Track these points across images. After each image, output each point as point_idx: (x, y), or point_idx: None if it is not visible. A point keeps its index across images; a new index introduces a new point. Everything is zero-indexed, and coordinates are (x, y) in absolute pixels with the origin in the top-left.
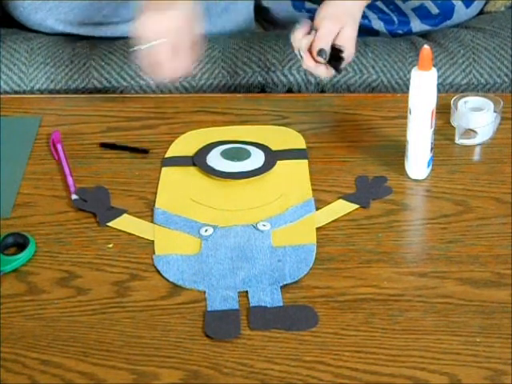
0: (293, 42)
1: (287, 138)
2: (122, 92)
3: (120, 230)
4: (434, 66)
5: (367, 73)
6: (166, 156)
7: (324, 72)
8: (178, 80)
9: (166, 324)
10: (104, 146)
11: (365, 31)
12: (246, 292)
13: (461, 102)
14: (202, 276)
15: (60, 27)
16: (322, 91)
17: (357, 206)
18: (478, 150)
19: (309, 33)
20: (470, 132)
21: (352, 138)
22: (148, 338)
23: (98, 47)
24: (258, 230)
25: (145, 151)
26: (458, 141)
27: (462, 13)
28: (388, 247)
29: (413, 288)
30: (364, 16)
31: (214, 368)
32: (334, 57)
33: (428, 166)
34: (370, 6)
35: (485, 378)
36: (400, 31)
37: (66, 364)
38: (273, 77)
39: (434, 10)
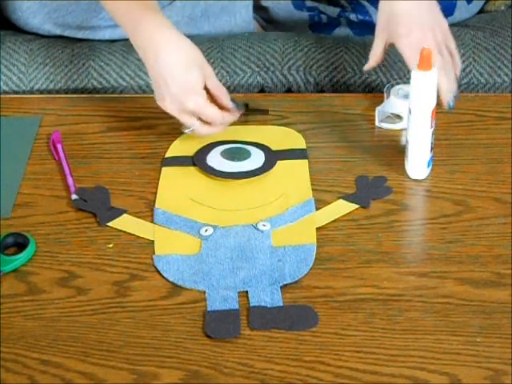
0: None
1: (287, 137)
2: (121, 92)
3: (120, 230)
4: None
5: (366, 73)
6: (166, 156)
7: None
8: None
9: (166, 324)
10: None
11: (365, 27)
12: (246, 292)
13: (394, 90)
14: (201, 276)
15: (58, 31)
16: (322, 91)
17: (357, 206)
18: (478, 149)
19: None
20: (394, 118)
21: (352, 138)
22: (148, 338)
23: (97, 48)
24: (258, 229)
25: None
26: (379, 124)
27: (463, 9)
28: (388, 247)
29: (413, 288)
30: (365, 11)
31: (214, 368)
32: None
33: (428, 166)
34: (371, 1)
35: (485, 378)
36: None
37: (65, 364)
38: (272, 77)
39: None
